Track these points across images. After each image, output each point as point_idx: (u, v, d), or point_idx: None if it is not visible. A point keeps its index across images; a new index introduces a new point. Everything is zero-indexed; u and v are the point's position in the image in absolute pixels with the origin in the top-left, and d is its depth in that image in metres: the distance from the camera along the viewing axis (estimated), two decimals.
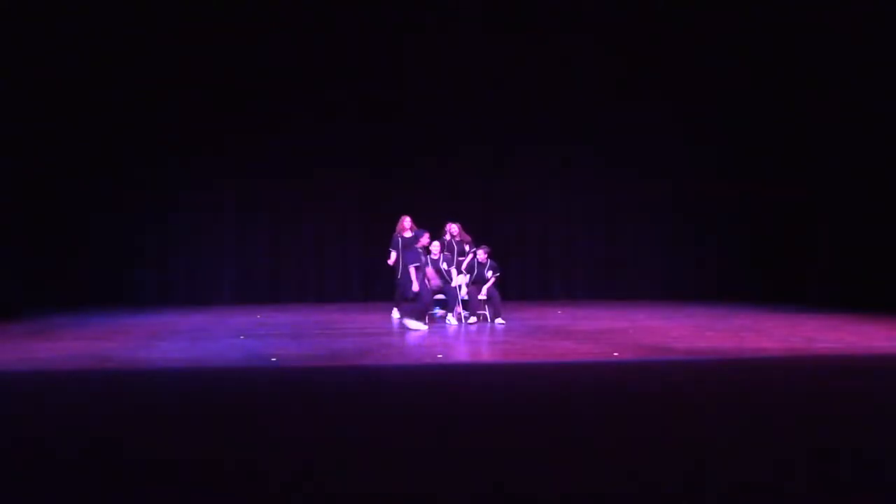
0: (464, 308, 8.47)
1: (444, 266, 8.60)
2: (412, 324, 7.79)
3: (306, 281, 11.88)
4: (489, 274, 8.60)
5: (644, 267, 12.32)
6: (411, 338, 7.31)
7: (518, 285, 12.33)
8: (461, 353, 6.36)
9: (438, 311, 8.97)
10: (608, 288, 12.39)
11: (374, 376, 5.20)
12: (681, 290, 12.27)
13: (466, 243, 9.16)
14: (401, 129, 11.46)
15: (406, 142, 11.47)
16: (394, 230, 9.30)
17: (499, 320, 8.38)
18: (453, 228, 9.35)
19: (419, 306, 7.92)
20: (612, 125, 11.91)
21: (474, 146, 11.74)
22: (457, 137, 11.41)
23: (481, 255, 8.60)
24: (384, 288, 11.16)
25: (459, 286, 8.59)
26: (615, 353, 6.06)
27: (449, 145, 11.41)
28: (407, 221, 9.20)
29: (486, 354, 6.33)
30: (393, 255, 9.01)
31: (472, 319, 8.25)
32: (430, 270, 8.27)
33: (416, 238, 8.63)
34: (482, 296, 8.40)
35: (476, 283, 8.63)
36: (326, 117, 11.14)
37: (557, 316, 9.53)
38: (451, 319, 8.28)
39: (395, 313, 9.11)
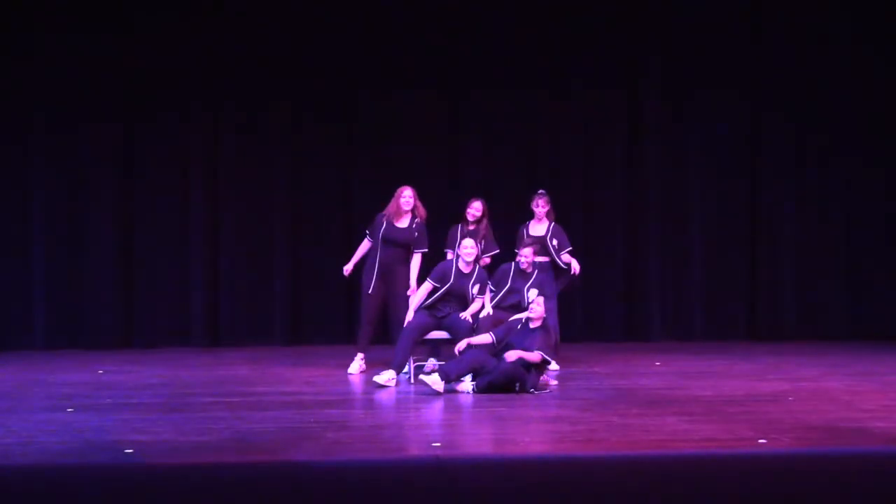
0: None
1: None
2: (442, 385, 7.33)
3: (189, 310, 10.93)
4: (475, 290, 8.18)
5: (810, 288, 11.41)
6: (384, 411, 7.21)
7: (582, 316, 11.16)
8: (476, 441, 6.20)
9: (430, 363, 8.52)
10: (741, 322, 11.48)
11: (318, 481, 4.81)
12: (868, 328, 11.26)
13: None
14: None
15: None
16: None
17: (551, 382, 7.90)
18: (477, 208, 8.71)
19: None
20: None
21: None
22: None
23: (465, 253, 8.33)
24: (323, 323, 10.58)
25: (475, 316, 8.13)
26: (761, 440, 5.74)
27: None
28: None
29: (525, 443, 6.00)
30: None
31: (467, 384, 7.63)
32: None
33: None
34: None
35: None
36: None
37: (654, 370, 9.09)
38: (467, 383, 7.66)
39: (356, 365, 8.59)
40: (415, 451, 5.66)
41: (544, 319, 7.61)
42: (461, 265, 8.20)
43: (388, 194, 10.77)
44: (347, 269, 8.77)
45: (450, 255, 8.66)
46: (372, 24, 11.05)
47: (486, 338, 7.67)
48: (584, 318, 11.27)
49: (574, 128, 11.29)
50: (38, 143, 10.68)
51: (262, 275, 11.03)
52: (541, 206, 8.87)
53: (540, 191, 9.12)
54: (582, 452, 5.51)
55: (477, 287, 8.21)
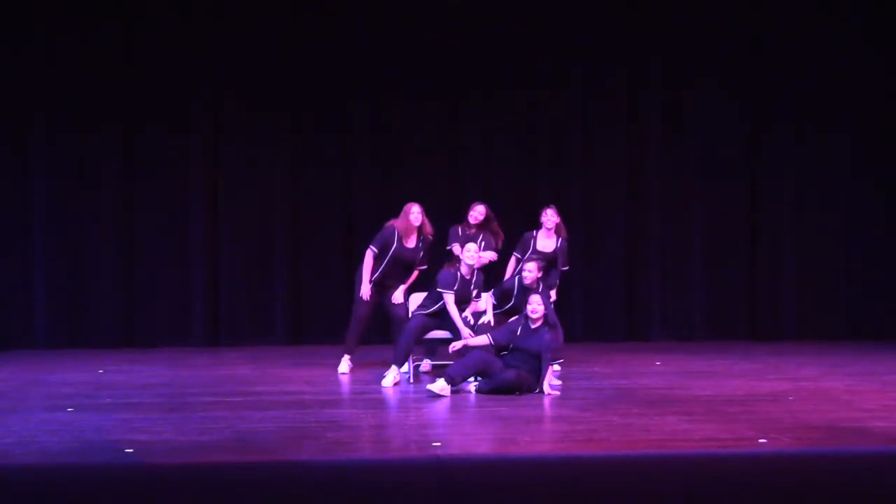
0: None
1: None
2: (437, 386, 7.27)
3: (189, 310, 10.83)
4: (475, 293, 8.11)
5: (810, 288, 11.34)
6: (384, 411, 7.16)
7: (583, 316, 11.10)
8: (476, 441, 6.13)
9: (425, 364, 8.57)
10: (741, 322, 11.40)
11: (318, 481, 4.79)
12: (868, 328, 11.21)
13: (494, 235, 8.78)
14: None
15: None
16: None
17: (553, 380, 7.70)
18: (480, 211, 8.62)
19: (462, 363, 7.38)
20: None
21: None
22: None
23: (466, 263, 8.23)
24: (323, 323, 10.54)
25: (475, 315, 8.10)
26: (762, 440, 5.71)
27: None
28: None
29: (525, 443, 5.93)
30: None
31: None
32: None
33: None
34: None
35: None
36: None
37: (654, 370, 9.08)
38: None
39: (344, 365, 8.62)
40: (415, 451, 5.60)
41: (546, 316, 7.37)
42: (463, 270, 8.09)
43: (388, 194, 10.58)
44: (365, 292, 8.59)
45: (456, 251, 8.46)
46: (371, 26, 11.01)
47: (483, 339, 7.54)
48: (585, 318, 11.19)
49: (574, 128, 11.24)
50: (39, 143, 10.64)
51: (262, 275, 10.94)
52: (550, 215, 8.51)
53: (551, 205, 8.86)
54: (582, 452, 5.45)
55: (476, 291, 8.11)
